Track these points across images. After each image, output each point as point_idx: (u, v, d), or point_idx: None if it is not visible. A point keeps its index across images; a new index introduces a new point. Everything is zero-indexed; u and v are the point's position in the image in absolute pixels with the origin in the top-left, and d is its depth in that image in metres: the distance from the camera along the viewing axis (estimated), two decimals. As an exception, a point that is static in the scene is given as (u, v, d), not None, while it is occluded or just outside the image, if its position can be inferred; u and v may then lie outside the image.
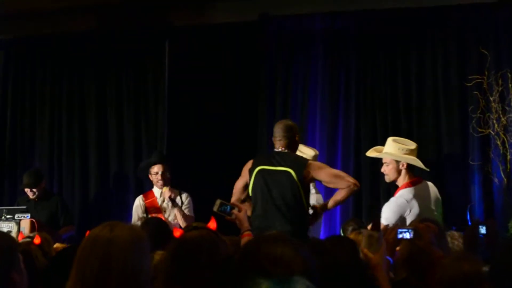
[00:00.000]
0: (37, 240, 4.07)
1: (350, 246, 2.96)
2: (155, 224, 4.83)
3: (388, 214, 5.43)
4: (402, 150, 5.61)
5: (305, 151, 6.28)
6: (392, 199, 5.56)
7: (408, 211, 5.43)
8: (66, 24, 7.95)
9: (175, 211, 6.44)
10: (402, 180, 5.61)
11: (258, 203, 5.02)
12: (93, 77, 8.02)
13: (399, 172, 5.62)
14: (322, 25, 7.29)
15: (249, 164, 5.15)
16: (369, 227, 5.55)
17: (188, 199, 6.61)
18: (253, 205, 5.02)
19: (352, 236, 4.24)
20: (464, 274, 2.95)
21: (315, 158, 6.28)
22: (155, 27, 7.72)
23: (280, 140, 5.19)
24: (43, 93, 8.17)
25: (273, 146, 7.30)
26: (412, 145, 5.70)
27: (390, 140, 5.77)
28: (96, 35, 7.88)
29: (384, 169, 5.71)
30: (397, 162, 5.61)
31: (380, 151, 5.81)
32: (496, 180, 6.55)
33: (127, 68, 7.94)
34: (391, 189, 6.72)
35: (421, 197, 5.52)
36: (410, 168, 5.61)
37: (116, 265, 2.21)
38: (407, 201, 5.46)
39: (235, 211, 3.89)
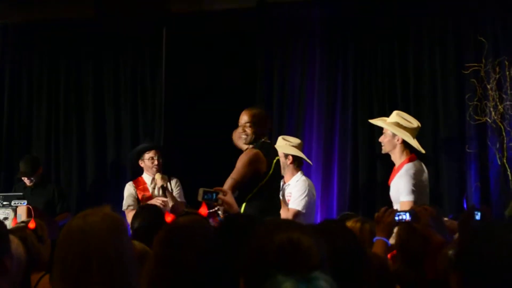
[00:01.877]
0: (31, 225, 4.06)
1: (347, 232, 2.90)
2: (151, 211, 4.81)
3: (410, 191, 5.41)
4: (403, 124, 5.60)
5: (292, 140, 6.31)
6: (405, 173, 5.48)
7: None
8: (63, 11, 7.92)
9: (168, 198, 6.45)
10: (399, 156, 5.59)
11: (272, 194, 5.06)
12: (91, 64, 8.00)
13: (394, 145, 5.60)
14: (320, 12, 7.27)
15: (259, 154, 4.94)
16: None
17: (178, 184, 6.63)
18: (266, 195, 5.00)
19: (350, 223, 4.18)
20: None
21: (300, 146, 6.34)
22: (153, 14, 7.68)
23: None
24: (40, 80, 8.16)
25: (271, 131, 7.34)
26: (415, 123, 5.66)
27: (395, 112, 5.78)
28: (93, 22, 7.85)
29: (381, 139, 5.73)
30: (394, 135, 5.61)
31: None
32: (493, 168, 6.55)
33: (125, 56, 7.93)
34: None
35: (420, 172, 5.55)
36: (407, 144, 5.59)
37: (96, 254, 2.19)
38: (419, 171, 5.48)
39: (220, 196, 3.78)
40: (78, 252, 2.20)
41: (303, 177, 6.18)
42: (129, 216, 5.73)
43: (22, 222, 4.21)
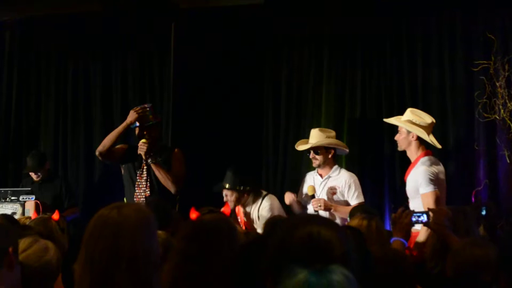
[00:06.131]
0: (56, 216, 4.14)
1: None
2: (155, 205, 4.78)
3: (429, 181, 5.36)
4: (416, 121, 5.59)
5: (329, 131, 6.32)
6: (421, 164, 5.46)
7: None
8: (71, 7, 7.92)
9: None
10: (414, 152, 5.57)
11: None
12: (99, 60, 8.00)
13: (409, 142, 5.59)
14: (327, 10, 7.23)
15: None
16: None
17: (267, 204, 5.99)
18: None
19: (356, 221, 4.14)
20: (474, 259, 2.93)
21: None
22: (161, 10, 7.67)
23: None
24: (48, 75, 8.16)
25: (278, 130, 7.31)
26: (428, 119, 5.64)
27: (408, 110, 5.78)
28: (101, 17, 7.85)
29: (397, 137, 5.71)
30: (408, 132, 5.59)
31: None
32: (501, 165, 6.53)
33: (133, 51, 7.92)
34: (396, 172, 6.72)
35: (437, 164, 5.51)
36: (422, 141, 5.56)
37: (126, 247, 2.18)
38: (436, 163, 5.46)
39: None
40: (109, 243, 2.18)
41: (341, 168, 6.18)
42: None
43: (46, 213, 4.28)
